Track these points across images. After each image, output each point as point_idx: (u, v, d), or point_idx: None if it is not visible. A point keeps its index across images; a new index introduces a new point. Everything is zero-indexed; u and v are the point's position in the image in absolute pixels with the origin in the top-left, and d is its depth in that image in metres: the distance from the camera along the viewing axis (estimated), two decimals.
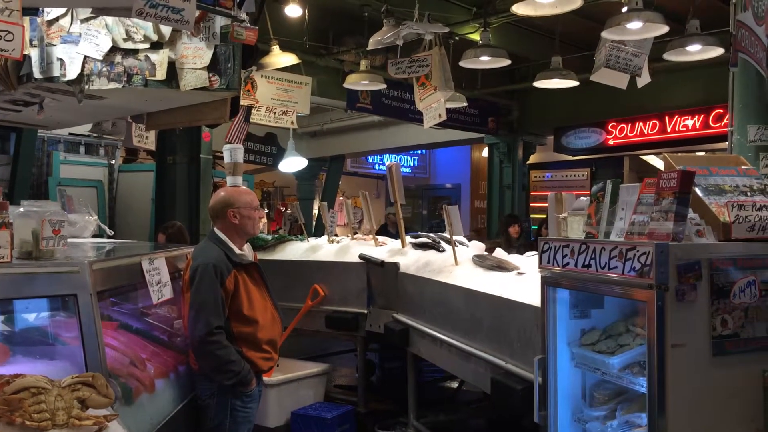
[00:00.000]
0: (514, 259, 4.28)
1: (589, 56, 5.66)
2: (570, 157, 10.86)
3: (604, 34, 4.77)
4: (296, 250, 5.99)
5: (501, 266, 4.02)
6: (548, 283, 2.83)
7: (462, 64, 5.88)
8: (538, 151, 11.41)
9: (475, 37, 6.91)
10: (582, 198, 3.01)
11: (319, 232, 9.43)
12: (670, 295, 2.23)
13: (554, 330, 2.83)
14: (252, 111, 6.66)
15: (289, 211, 11.20)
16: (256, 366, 3.28)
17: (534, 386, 2.82)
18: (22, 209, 2.50)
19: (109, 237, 4.87)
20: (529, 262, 4.13)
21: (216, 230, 3.41)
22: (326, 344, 7.20)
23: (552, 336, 2.82)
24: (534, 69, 7.38)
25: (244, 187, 3.75)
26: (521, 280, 3.66)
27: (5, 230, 2.23)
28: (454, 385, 6.19)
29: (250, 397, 3.27)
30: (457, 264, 4.36)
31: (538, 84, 6.62)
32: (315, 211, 12.92)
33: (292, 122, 7.01)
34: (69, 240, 2.71)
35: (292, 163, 8.90)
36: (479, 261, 4.20)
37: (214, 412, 3.22)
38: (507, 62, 5.89)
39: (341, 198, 13.89)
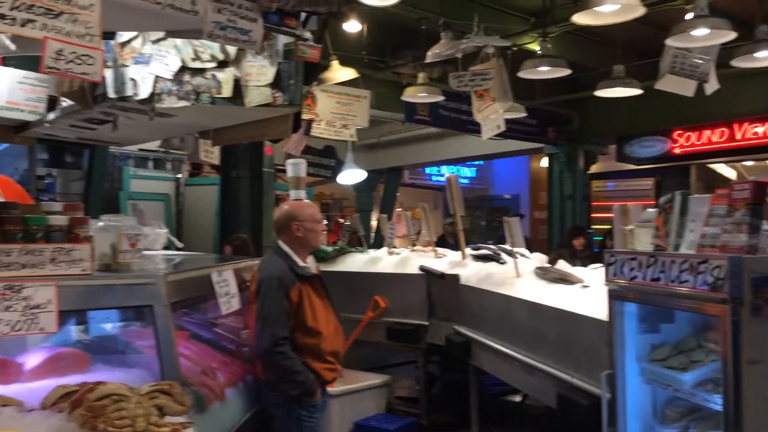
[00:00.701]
0: (577, 271, 4.22)
1: (653, 63, 5.54)
2: (633, 167, 10.61)
3: (669, 42, 4.66)
4: (356, 262, 6.05)
5: (565, 279, 3.96)
6: (615, 297, 2.78)
7: (521, 74, 5.84)
8: (599, 160, 11.17)
9: (534, 47, 6.86)
10: (649, 209, 2.95)
11: (377, 243, 9.48)
12: (745, 309, 2.16)
13: (622, 345, 2.77)
14: (312, 124, 6.79)
15: (347, 223, 11.31)
16: (321, 377, 3.33)
17: (602, 402, 2.77)
18: (101, 224, 2.62)
19: (178, 249, 5.03)
20: (593, 274, 4.06)
21: (280, 243, 3.49)
22: (385, 355, 7.22)
23: (620, 351, 2.77)
24: (594, 77, 7.25)
25: (307, 201, 3.83)
26: (586, 293, 3.60)
27: (87, 244, 2.34)
28: (517, 398, 6.11)
29: (315, 407, 3.32)
30: (519, 276, 4.32)
31: (599, 93, 6.51)
32: (373, 223, 13.00)
33: (351, 135, 7.09)
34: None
35: (351, 176, 8.99)
36: (542, 273, 4.16)
37: (280, 422, 3.28)
38: (567, 72, 5.82)
39: (399, 209, 13.94)
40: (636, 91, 6.38)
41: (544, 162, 11.97)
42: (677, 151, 9.70)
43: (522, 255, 4.85)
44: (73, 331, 2.85)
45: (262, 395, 3.36)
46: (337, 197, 15.40)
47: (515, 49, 6.62)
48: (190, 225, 8.84)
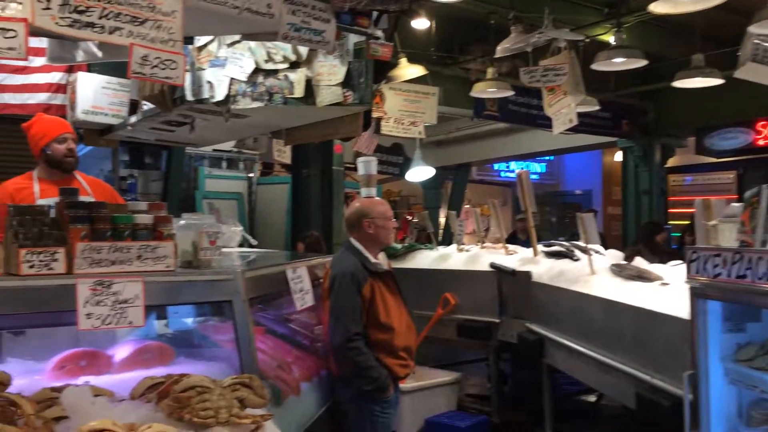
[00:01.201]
0: (656, 268, 4.09)
1: (733, 52, 5.30)
2: (713, 160, 10.17)
3: (751, 29, 4.44)
4: (426, 259, 6.05)
5: (642, 276, 3.85)
6: (698, 295, 2.68)
7: (594, 66, 5.70)
8: (677, 153, 10.77)
9: (607, 38, 6.67)
10: (734, 204, 2.83)
11: (445, 240, 9.45)
12: None
13: (705, 344, 2.68)
14: (381, 122, 6.83)
15: (415, 220, 11.31)
16: (393, 372, 3.35)
17: (684, 403, 2.68)
18: (183, 222, 2.73)
19: (252, 247, 5.16)
20: (672, 271, 3.93)
21: (352, 240, 3.53)
22: (455, 353, 7.19)
23: (703, 350, 2.67)
24: (671, 67, 6.99)
25: (378, 198, 3.86)
26: (665, 291, 3.48)
27: (170, 241, 2.44)
28: (592, 398, 5.98)
29: (388, 403, 3.35)
30: (594, 273, 4.22)
31: (677, 84, 6.28)
32: (441, 220, 12.96)
33: (419, 132, 7.11)
34: None
35: (419, 173, 9.00)
36: (618, 270, 4.05)
37: (354, 417, 3.32)
38: (643, 62, 5.64)
39: (467, 206, 13.85)
40: (716, 81, 6.13)
41: (618, 156, 11.62)
42: (761, 142, 9.23)
43: (596, 252, 4.74)
44: (157, 325, 2.98)
45: (336, 390, 3.41)
46: (405, 194, 15.43)
47: (587, 40, 6.46)
48: (262, 223, 9.03)
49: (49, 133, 3.56)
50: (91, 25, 1.98)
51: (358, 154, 9.97)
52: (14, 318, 2.24)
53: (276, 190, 8.98)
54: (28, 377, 2.31)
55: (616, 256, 4.73)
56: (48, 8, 1.90)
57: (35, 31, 1.97)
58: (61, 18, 1.93)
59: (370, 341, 3.32)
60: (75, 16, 1.94)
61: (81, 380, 2.26)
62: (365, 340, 3.30)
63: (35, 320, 2.35)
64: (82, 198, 3.46)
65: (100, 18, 1.99)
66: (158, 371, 2.37)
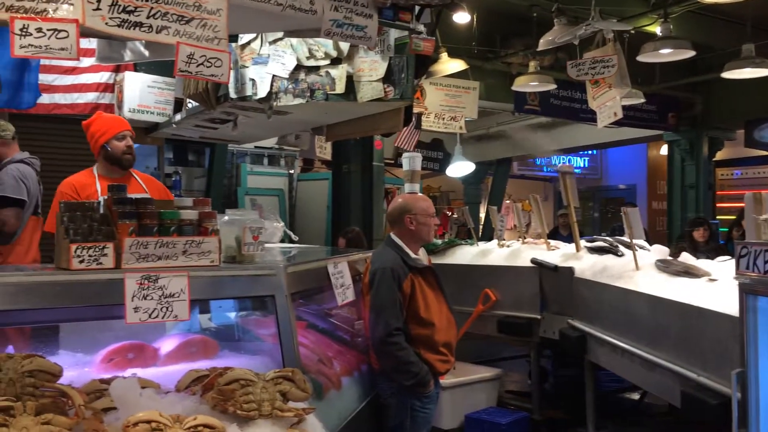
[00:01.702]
0: (703, 264, 3.99)
1: None
2: (763, 153, 9.86)
3: None
4: (466, 254, 6.03)
5: (689, 272, 3.77)
6: (747, 291, 2.61)
7: (640, 58, 5.59)
8: (725, 146, 10.48)
9: (653, 29, 6.53)
10: None
11: (485, 236, 9.38)
12: None
13: (755, 342, 2.60)
14: (421, 118, 6.82)
15: (455, 216, 11.27)
16: (433, 368, 3.35)
17: (732, 401, 2.61)
18: (226, 218, 2.77)
19: (293, 242, 5.22)
20: (720, 267, 3.83)
21: (392, 235, 3.54)
22: (495, 349, 7.16)
23: (752, 348, 2.60)
24: (719, 58, 6.81)
25: (421, 194, 3.86)
26: (713, 287, 3.41)
27: (215, 237, 2.48)
28: (635, 396, 5.88)
29: (428, 398, 3.35)
30: (639, 269, 4.15)
31: (727, 75, 6.11)
32: (482, 215, 12.88)
33: (460, 127, 7.08)
34: None
35: (460, 168, 8.96)
36: (663, 266, 3.97)
37: (394, 412, 3.33)
38: (691, 53, 5.51)
39: (508, 201, 13.72)
40: (767, 72, 5.94)
41: (664, 150, 11.37)
42: None
43: (641, 247, 4.65)
44: (201, 318, 3.04)
45: (377, 385, 3.43)
46: (445, 190, 15.37)
47: (632, 32, 6.34)
48: (302, 219, 9.12)
49: (109, 131, 3.65)
50: (139, 24, 2.02)
51: (398, 150, 10.00)
52: (65, 311, 2.31)
53: (316, 186, 9.06)
54: (78, 369, 2.38)
55: (661, 251, 4.63)
56: (98, 9, 1.95)
57: (85, 32, 2.02)
58: (111, 18, 1.98)
59: (411, 336, 3.33)
60: (124, 16, 1.98)
61: (128, 372, 2.32)
62: (406, 335, 3.30)
63: (85, 313, 2.41)
64: (139, 195, 3.59)
65: (148, 17, 2.03)
66: (202, 364, 2.42)
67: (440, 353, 3.40)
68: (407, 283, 3.34)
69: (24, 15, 1.89)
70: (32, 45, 1.90)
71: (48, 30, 1.90)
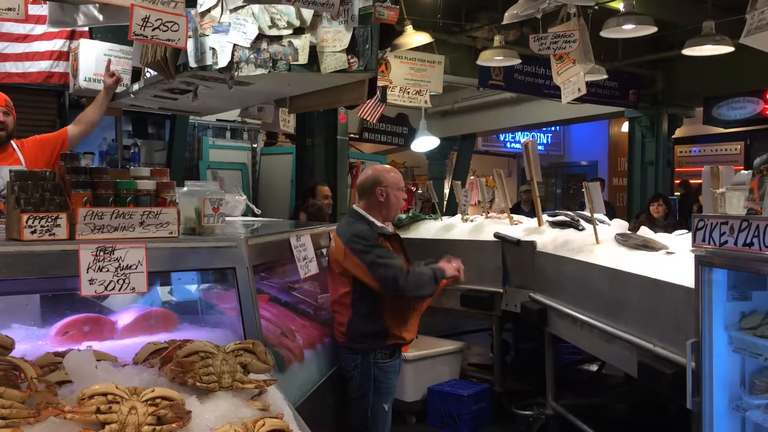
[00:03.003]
0: (660, 237, 4.07)
1: (744, 20, 5.19)
2: (721, 130, 10.09)
3: None
4: (430, 229, 6.04)
5: (647, 245, 3.84)
6: (703, 263, 2.66)
7: (603, 33, 5.61)
8: (684, 124, 10.68)
9: (616, 5, 6.56)
10: (743, 172, 2.80)
11: (450, 211, 9.43)
12: None
13: (709, 312, 2.67)
14: (386, 91, 6.77)
15: (420, 191, 11.30)
16: (399, 338, 3.36)
17: (687, 371, 2.68)
18: (186, 189, 2.71)
19: (256, 216, 5.16)
20: (677, 241, 3.91)
21: (357, 208, 3.52)
22: (458, 323, 7.23)
23: (707, 319, 2.67)
24: (681, 35, 6.90)
25: (391, 167, 3.83)
26: (670, 260, 3.48)
27: (173, 208, 2.42)
28: (593, 368, 6.02)
29: (391, 368, 3.37)
30: (599, 243, 4.22)
31: (687, 52, 6.18)
32: (446, 191, 12.93)
33: (425, 101, 7.05)
34: None
35: (424, 143, 8.95)
36: (623, 240, 4.04)
37: (358, 384, 3.35)
38: (653, 29, 5.55)
39: (472, 177, 13.80)
40: (727, 49, 6.04)
41: (625, 127, 11.55)
42: None
43: (601, 221, 4.72)
44: (160, 291, 2.98)
45: (340, 358, 3.43)
46: (409, 165, 15.38)
47: (596, 8, 6.36)
48: (265, 193, 9.05)
49: None
50: None
51: (363, 125, 9.93)
52: (17, 283, 2.24)
53: (280, 160, 8.97)
54: (31, 342, 2.31)
55: (621, 225, 4.71)
56: None
57: None
58: None
59: (382, 300, 3.34)
60: None
61: (84, 346, 2.27)
62: (377, 300, 3.33)
63: (38, 286, 2.35)
64: (12, 167, 3.52)
65: None
66: (161, 337, 2.37)
67: (406, 322, 3.42)
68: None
69: None
70: None
71: None
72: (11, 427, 1.65)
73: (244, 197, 4.70)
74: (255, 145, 9.19)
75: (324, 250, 3.90)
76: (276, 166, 9.04)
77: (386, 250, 3.38)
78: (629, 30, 5.54)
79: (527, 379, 5.43)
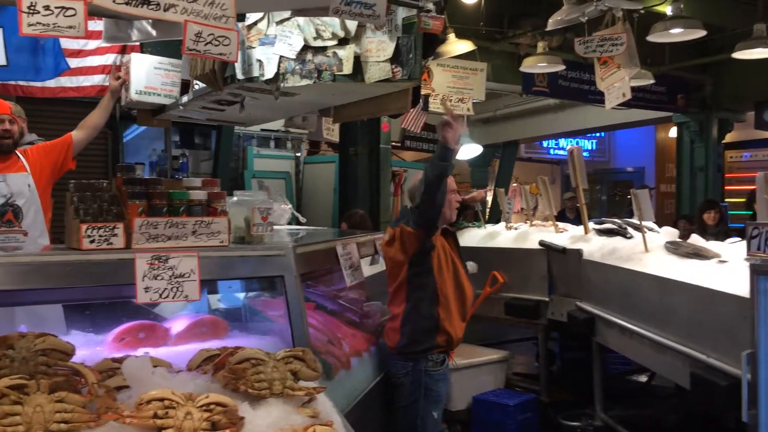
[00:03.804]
0: (712, 246, 3.98)
1: None
2: None
3: None
4: (473, 237, 6.02)
5: (699, 254, 3.75)
6: (758, 272, 2.60)
7: (650, 38, 5.52)
8: (735, 128, 10.40)
9: (663, 8, 6.45)
10: None
11: (492, 219, 9.36)
12: None
13: (766, 322, 2.60)
14: (429, 99, 6.78)
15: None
16: (449, 335, 3.38)
17: (742, 382, 2.61)
18: (235, 198, 2.76)
19: (300, 224, 5.22)
20: (730, 249, 3.82)
21: (412, 206, 3.53)
22: (501, 331, 7.17)
23: (763, 329, 2.60)
24: (730, 38, 6.73)
25: None
26: (723, 269, 3.39)
27: (224, 217, 2.47)
28: (642, 378, 5.89)
29: (441, 375, 3.36)
30: (648, 251, 4.14)
31: (737, 55, 6.04)
32: (488, 198, 12.84)
33: (468, 109, 7.02)
34: None
35: (467, 150, 8.94)
36: (673, 248, 3.96)
37: (408, 391, 3.34)
38: (702, 33, 5.44)
39: (515, 184, 13.68)
40: None
41: (673, 132, 11.30)
42: None
43: (650, 229, 4.64)
44: (210, 299, 3.04)
45: (390, 365, 3.43)
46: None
47: (642, 12, 6.26)
48: (309, 201, 9.13)
49: None
50: (146, 2, 2.00)
51: (405, 133, 9.95)
52: (76, 291, 2.32)
53: (323, 168, 9.05)
54: (90, 348, 2.39)
55: (671, 233, 4.62)
56: None
57: (93, 11, 2.01)
58: None
59: (437, 287, 3.37)
60: None
61: (140, 352, 2.33)
62: (433, 286, 3.37)
63: (95, 293, 2.42)
64: (19, 175, 3.58)
65: None
66: (213, 344, 2.42)
67: (457, 316, 3.43)
68: (436, 237, 3.40)
69: None
70: (40, 23, 1.89)
71: (56, 8, 1.89)
72: (73, 431, 1.71)
73: (290, 206, 4.77)
74: (298, 154, 9.29)
75: (369, 259, 3.93)
76: (319, 174, 9.12)
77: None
78: (677, 34, 5.44)
79: (574, 389, 5.35)
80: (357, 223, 6.01)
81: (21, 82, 5.17)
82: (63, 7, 1.88)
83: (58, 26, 1.89)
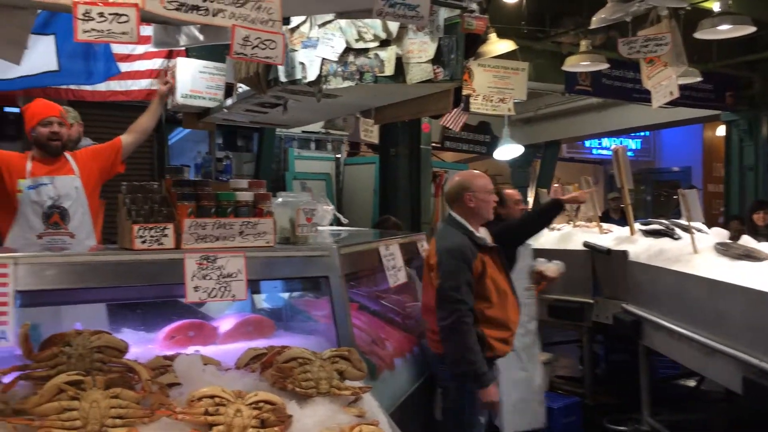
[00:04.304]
0: (765, 247, 3.87)
1: None
2: None
3: None
4: None
5: (750, 255, 3.66)
6: None
7: (697, 35, 5.39)
8: None
9: (709, 5, 6.29)
10: None
11: None
12: None
13: None
14: (469, 100, 6.75)
15: None
16: (495, 350, 3.28)
17: None
18: (280, 200, 2.80)
19: (341, 225, 5.24)
20: None
21: (454, 214, 3.46)
22: (545, 333, 7.06)
23: None
24: None
25: (479, 171, 3.79)
26: None
27: (270, 218, 2.51)
28: (690, 383, 5.76)
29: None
30: (697, 252, 4.05)
31: None
32: (529, 199, 12.71)
33: (509, 109, 6.98)
34: None
35: (508, 151, 8.86)
36: (723, 249, 3.86)
37: (453, 396, 3.29)
38: (751, 29, 5.29)
39: (557, 185, 13.51)
40: None
41: (721, 130, 11.02)
42: None
43: (699, 230, 4.53)
44: (255, 298, 3.09)
45: (434, 368, 3.40)
46: (491, 173, 15.22)
47: (689, 8, 6.13)
48: (349, 203, 9.16)
49: (35, 117, 3.64)
50: (196, 8, 2.05)
51: (444, 131, 9.93)
52: (128, 290, 2.37)
53: (363, 170, 9.08)
54: (141, 346, 2.45)
55: (720, 234, 4.52)
56: None
57: (144, 16, 2.05)
58: (169, 2, 2.00)
59: (476, 317, 3.22)
60: None
61: (190, 350, 2.37)
62: (473, 316, 3.21)
63: (147, 292, 2.48)
64: (67, 177, 3.63)
65: (204, 1, 2.05)
66: (260, 343, 2.46)
67: (504, 335, 3.33)
68: (477, 263, 3.25)
69: (87, 0, 1.93)
70: (95, 29, 1.94)
71: (110, 14, 1.94)
72: (128, 426, 1.75)
73: (332, 207, 4.80)
74: (339, 156, 9.35)
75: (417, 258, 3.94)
76: (359, 175, 9.15)
77: (467, 281, 3.19)
78: (725, 30, 5.31)
79: (619, 392, 5.26)
80: (389, 228, 6.00)
81: (72, 86, 5.31)
82: (116, 14, 1.93)
83: (112, 32, 1.95)
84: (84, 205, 3.69)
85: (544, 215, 4.16)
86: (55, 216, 3.60)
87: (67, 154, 3.79)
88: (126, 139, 4.07)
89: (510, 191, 4.66)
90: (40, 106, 3.74)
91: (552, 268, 4.51)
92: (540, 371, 4.42)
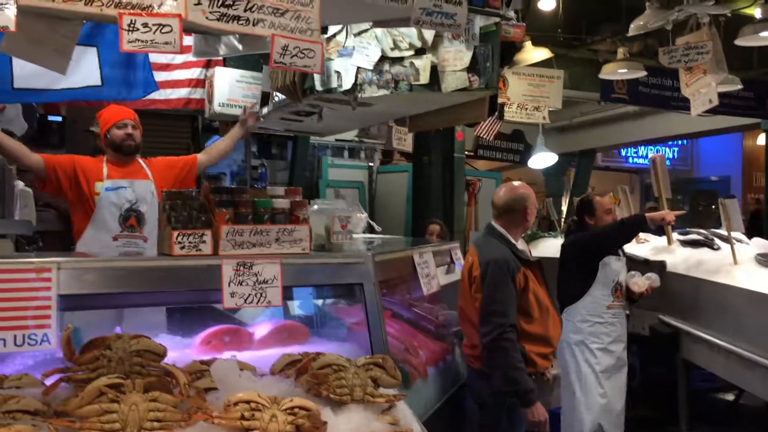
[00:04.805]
0: None
1: None
2: None
3: None
4: (550, 247, 5.91)
5: None
6: None
7: (739, 42, 5.29)
8: None
9: (751, 11, 6.18)
10: None
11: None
12: None
13: None
14: (504, 108, 6.73)
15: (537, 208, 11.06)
16: (536, 366, 3.22)
17: None
18: (316, 207, 2.82)
19: (375, 233, 5.26)
20: None
21: (496, 225, 3.39)
22: None
23: None
24: None
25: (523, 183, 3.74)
26: None
27: (305, 225, 2.53)
28: (729, 396, 5.63)
29: None
30: (737, 263, 3.96)
31: None
32: (564, 207, 12.58)
33: (544, 117, 6.94)
34: None
35: (542, 159, 8.79)
36: (765, 261, 3.78)
37: (491, 411, 3.24)
38: None
39: (653, 204, 13.33)
40: None
41: (761, 139, 10.78)
42: None
43: (739, 241, 4.43)
44: (290, 305, 3.11)
45: (471, 381, 3.37)
46: (526, 182, 15.11)
47: (729, 15, 6.02)
48: (382, 211, 9.18)
49: (110, 120, 3.79)
50: (236, 18, 2.09)
51: (478, 142, 9.91)
52: (167, 295, 2.42)
53: (396, 178, 9.09)
54: (178, 351, 2.48)
55: (761, 245, 4.41)
56: (199, 3, 2.03)
57: (187, 26, 2.10)
58: (210, 12, 2.05)
59: (519, 332, 3.16)
60: (222, 10, 2.05)
61: (226, 355, 2.41)
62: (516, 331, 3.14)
63: (185, 297, 2.52)
64: (144, 182, 3.72)
65: (245, 11, 2.09)
66: (295, 349, 2.47)
67: (545, 350, 3.27)
68: (520, 277, 3.20)
69: (131, 11, 1.98)
70: (139, 40, 1.99)
71: (153, 25, 1.99)
72: (165, 430, 1.78)
73: (365, 215, 4.82)
74: (372, 164, 9.38)
75: (444, 268, 3.92)
76: (392, 184, 9.17)
77: (510, 298, 3.14)
78: (767, 37, 5.20)
79: (656, 405, 5.16)
80: (432, 234, 5.98)
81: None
82: (160, 24, 1.98)
83: (156, 42, 1.99)
84: (157, 211, 3.80)
85: (628, 229, 4.02)
86: (132, 219, 3.71)
87: (141, 160, 3.91)
88: (201, 158, 4.21)
89: (601, 199, 4.39)
90: (114, 110, 3.92)
91: (640, 282, 4.15)
92: (621, 397, 4.12)
